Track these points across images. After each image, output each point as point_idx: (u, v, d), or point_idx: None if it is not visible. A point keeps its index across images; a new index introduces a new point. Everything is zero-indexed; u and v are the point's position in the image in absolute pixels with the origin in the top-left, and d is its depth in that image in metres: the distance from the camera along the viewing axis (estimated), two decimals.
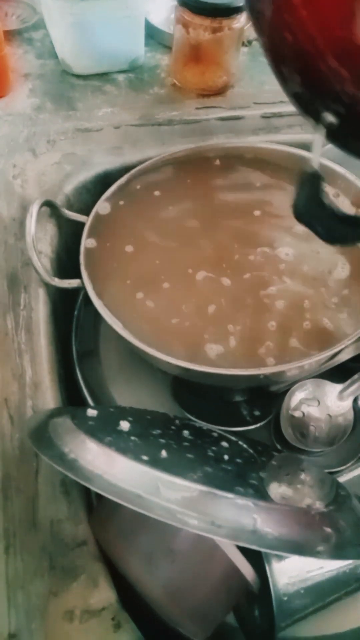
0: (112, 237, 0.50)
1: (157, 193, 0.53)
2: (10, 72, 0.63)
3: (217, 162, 0.55)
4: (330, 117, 0.28)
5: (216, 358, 0.42)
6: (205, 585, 0.34)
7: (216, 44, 0.59)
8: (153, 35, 0.69)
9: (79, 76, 0.65)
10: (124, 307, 0.45)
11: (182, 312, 0.45)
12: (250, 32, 0.71)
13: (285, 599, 0.34)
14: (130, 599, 0.35)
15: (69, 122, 0.60)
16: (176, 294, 0.46)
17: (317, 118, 0.29)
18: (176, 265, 0.48)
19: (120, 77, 0.65)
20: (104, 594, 0.35)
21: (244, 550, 0.34)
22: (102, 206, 0.51)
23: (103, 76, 0.65)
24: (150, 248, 0.49)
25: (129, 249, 0.49)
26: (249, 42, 0.70)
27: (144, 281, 0.47)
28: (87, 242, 0.49)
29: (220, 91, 0.64)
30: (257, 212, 0.51)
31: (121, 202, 0.52)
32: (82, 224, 0.50)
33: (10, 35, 0.68)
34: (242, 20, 0.59)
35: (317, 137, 0.30)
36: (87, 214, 0.50)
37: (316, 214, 0.29)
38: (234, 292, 0.46)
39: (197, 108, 0.62)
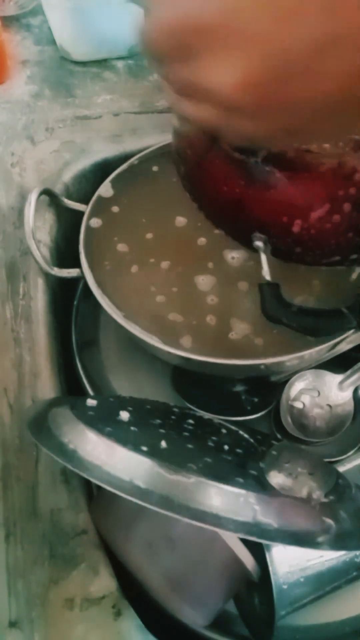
0: (111, 225, 0.49)
1: (157, 180, 0.52)
2: (8, 59, 0.62)
3: None
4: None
5: (218, 347, 0.42)
6: (205, 573, 0.34)
7: None
8: None
9: (77, 63, 0.64)
10: (125, 296, 0.45)
11: (185, 303, 0.45)
12: None
13: (285, 587, 0.34)
14: (131, 587, 0.35)
15: (67, 110, 0.59)
16: (178, 283, 0.46)
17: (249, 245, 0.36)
18: (176, 254, 0.48)
19: (120, 64, 0.64)
20: (105, 582, 0.35)
21: (244, 539, 0.34)
22: (103, 191, 0.51)
23: (102, 63, 0.64)
24: (151, 237, 0.49)
25: (129, 237, 0.49)
26: None
27: (144, 270, 0.47)
28: (91, 222, 0.48)
29: None
30: None
31: (121, 189, 0.51)
32: (81, 213, 0.49)
33: (8, 21, 0.67)
34: None
35: (262, 256, 0.36)
36: (87, 203, 0.50)
37: (284, 313, 0.34)
38: (232, 283, 0.46)
39: None
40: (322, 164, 0.32)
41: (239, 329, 0.43)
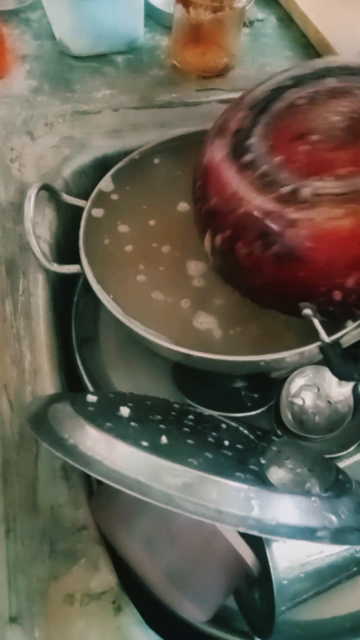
0: (113, 214, 0.49)
1: (159, 171, 0.52)
2: (7, 54, 0.62)
3: None
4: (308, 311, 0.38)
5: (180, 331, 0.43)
6: (205, 569, 0.34)
7: (217, 24, 0.58)
8: (152, 15, 0.68)
9: (77, 57, 0.64)
10: (125, 292, 0.45)
11: (183, 298, 0.45)
12: (252, 13, 0.70)
13: (285, 582, 0.34)
14: (131, 583, 0.35)
15: (67, 105, 0.59)
16: (176, 278, 0.46)
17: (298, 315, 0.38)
18: (175, 249, 0.48)
19: (119, 59, 0.64)
20: (105, 578, 0.35)
21: (244, 534, 0.34)
22: (104, 186, 0.51)
23: (101, 57, 0.64)
24: (151, 231, 0.49)
25: (128, 231, 0.49)
26: (251, 23, 0.69)
27: (143, 266, 0.47)
28: (93, 212, 0.49)
29: (220, 73, 0.63)
30: None
31: (122, 184, 0.51)
32: (81, 209, 0.49)
33: (6, 15, 0.67)
34: (243, 0, 0.57)
35: (314, 322, 0.37)
36: (86, 198, 0.50)
37: (355, 369, 0.35)
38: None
39: (197, 90, 0.61)
40: (342, 227, 0.34)
41: (205, 320, 0.44)
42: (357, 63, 0.42)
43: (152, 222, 0.49)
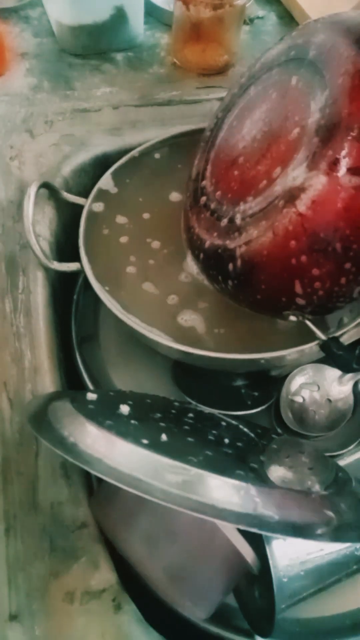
0: (111, 213, 0.49)
1: (158, 173, 0.52)
2: (7, 52, 0.62)
3: None
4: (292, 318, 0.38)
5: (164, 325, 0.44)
6: (205, 566, 0.34)
7: (217, 22, 0.58)
8: (152, 12, 0.68)
9: (76, 55, 0.63)
10: (125, 290, 0.45)
11: (181, 295, 0.45)
12: (252, 10, 0.69)
13: (285, 580, 0.34)
14: (131, 581, 0.35)
15: (67, 102, 0.59)
16: (174, 275, 0.46)
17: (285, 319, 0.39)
18: (170, 244, 0.48)
19: (119, 56, 0.64)
20: (105, 576, 0.35)
21: (244, 532, 0.34)
22: (104, 184, 0.51)
23: (101, 55, 0.64)
24: (150, 229, 0.49)
25: (128, 228, 0.49)
26: (251, 20, 0.69)
27: (142, 263, 0.47)
28: (94, 207, 0.49)
29: (221, 70, 0.63)
30: None
31: (122, 182, 0.51)
32: (81, 207, 0.49)
33: (6, 13, 0.67)
34: None
35: (307, 323, 0.38)
36: (86, 196, 0.50)
37: (355, 359, 0.36)
38: None
39: (197, 88, 0.61)
40: (264, 245, 0.35)
41: (190, 317, 0.44)
42: (271, 55, 0.40)
43: (147, 216, 0.50)
